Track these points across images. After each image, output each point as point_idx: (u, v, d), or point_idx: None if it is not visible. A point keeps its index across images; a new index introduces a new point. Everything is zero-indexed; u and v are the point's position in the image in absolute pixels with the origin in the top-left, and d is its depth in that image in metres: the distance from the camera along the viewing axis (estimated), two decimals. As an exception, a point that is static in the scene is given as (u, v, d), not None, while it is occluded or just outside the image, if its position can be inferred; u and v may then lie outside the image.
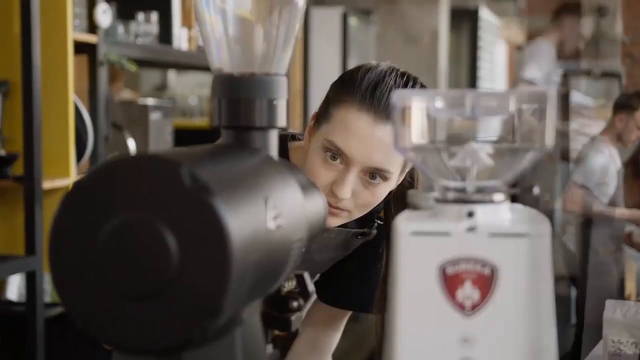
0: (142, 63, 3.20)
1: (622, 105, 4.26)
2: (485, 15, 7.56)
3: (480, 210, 0.66)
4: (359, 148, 1.21)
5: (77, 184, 0.61)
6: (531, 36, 9.97)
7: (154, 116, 3.10)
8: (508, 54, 9.40)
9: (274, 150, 0.77)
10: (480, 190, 0.68)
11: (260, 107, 0.76)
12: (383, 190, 1.26)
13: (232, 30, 0.77)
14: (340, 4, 5.14)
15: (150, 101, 3.19)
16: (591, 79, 6.72)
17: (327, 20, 4.98)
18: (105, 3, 2.66)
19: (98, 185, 0.60)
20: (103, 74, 2.67)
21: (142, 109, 3.11)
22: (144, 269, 0.59)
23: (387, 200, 1.33)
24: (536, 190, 0.69)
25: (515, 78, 4.53)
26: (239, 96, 0.75)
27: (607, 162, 4.22)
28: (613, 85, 8.41)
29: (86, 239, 0.60)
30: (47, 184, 2.37)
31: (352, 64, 6.32)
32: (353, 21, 5.14)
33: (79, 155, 2.57)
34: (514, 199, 0.70)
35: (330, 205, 1.24)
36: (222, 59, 0.77)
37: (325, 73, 4.66)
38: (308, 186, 0.83)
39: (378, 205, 1.31)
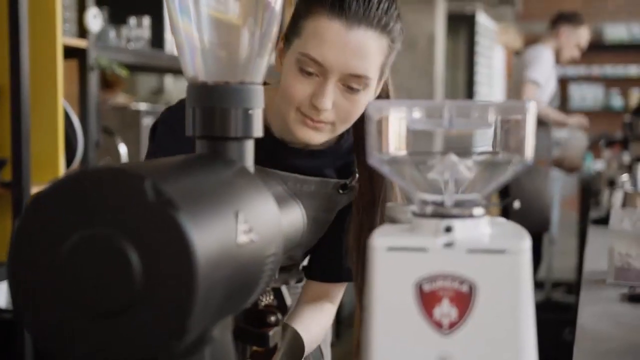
0: (133, 68, 3.17)
1: (565, 20, 4.48)
2: (483, 20, 7.54)
3: (458, 225, 0.64)
4: (334, 55, 1.19)
5: (38, 196, 0.59)
6: (528, 41, 9.98)
7: (147, 121, 3.07)
8: (505, 59, 9.39)
9: (249, 160, 0.75)
10: (459, 204, 0.66)
11: (236, 116, 0.73)
12: (363, 99, 1.25)
13: (207, 37, 0.74)
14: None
15: (143, 106, 3.17)
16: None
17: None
18: (96, 7, 2.64)
19: (60, 198, 0.58)
20: (93, 78, 2.64)
21: (134, 114, 3.09)
22: (106, 286, 0.56)
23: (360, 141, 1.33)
24: (516, 204, 0.66)
25: (515, 80, 4.54)
26: (214, 105, 0.73)
27: (551, 65, 4.41)
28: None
29: (47, 254, 0.58)
30: (35, 190, 2.35)
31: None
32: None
33: (69, 160, 2.55)
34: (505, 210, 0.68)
35: (312, 119, 1.24)
36: (196, 67, 0.75)
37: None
38: (284, 198, 0.81)
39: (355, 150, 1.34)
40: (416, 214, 0.67)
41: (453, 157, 0.66)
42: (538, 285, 5.29)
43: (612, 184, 3.14)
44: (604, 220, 2.71)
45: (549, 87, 4.49)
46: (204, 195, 0.61)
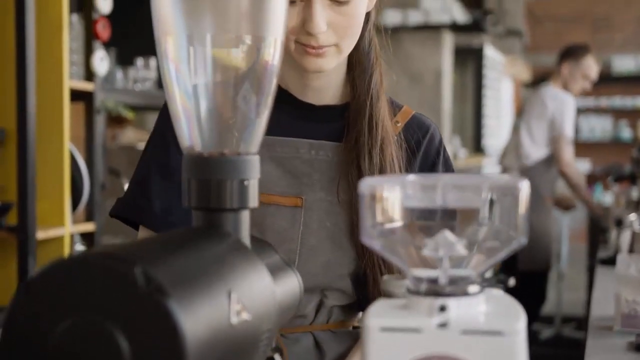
0: (141, 107, 3.19)
1: (567, 54, 4.46)
2: (490, 52, 7.57)
3: (453, 303, 0.64)
4: None
5: (28, 283, 0.58)
6: (536, 73, 10.01)
7: (153, 161, 3.07)
8: (514, 90, 9.41)
9: (245, 231, 0.75)
10: (453, 281, 0.66)
11: (231, 188, 0.73)
12: (356, 8, 1.19)
13: (203, 107, 0.74)
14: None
15: (150, 146, 3.17)
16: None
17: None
18: (103, 50, 2.66)
19: (50, 285, 0.58)
20: (100, 121, 2.65)
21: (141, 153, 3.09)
22: (96, 373, 0.56)
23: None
24: (511, 282, 0.66)
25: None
26: (209, 177, 0.73)
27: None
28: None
29: (37, 341, 0.58)
30: (41, 234, 2.35)
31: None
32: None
33: (75, 204, 2.55)
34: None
35: (312, 47, 1.18)
36: (192, 138, 0.75)
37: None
38: (280, 267, 0.80)
39: None
40: (411, 291, 0.66)
41: (447, 234, 0.66)
42: (548, 320, 5.26)
43: (619, 223, 3.12)
44: (612, 261, 2.69)
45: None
46: (195, 277, 0.61)
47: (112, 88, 2.81)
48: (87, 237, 2.70)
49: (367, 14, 1.28)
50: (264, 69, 0.75)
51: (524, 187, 0.63)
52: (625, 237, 2.85)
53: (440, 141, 1.34)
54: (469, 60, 7.27)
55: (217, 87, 0.75)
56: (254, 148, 0.76)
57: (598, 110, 10.16)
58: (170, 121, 0.76)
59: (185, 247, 0.66)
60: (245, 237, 0.75)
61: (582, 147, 10.19)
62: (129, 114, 2.76)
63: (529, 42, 10.27)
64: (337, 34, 1.18)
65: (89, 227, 2.65)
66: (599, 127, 10.17)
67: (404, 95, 5.59)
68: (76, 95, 2.58)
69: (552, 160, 4.44)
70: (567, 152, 4.37)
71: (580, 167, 10.17)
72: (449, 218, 0.66)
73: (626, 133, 10.05)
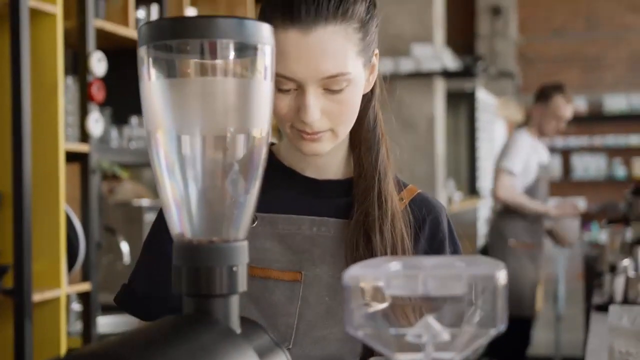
0: (136, 165, 3.22)
1: (537, 97, 4.49)
2: (482, 95, 7.64)
3: (436, 389, 0.66)
4: (300, 65, 1.14)
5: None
6: (529, 113, 10.11)
7: (149, 217, 3.10)
8: (507, 131, 9.47)
9: (234, 315, 0.77)
10: (436, 366, 0.68)
11: (220, 274, 0.76)
12: (351, 94, 1.18)
13: (192, 197, 0.77)
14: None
15: (146, 202, 3.21)
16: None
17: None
18: (97, 112, 2.70)
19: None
20: (95, 181, 2.68)
21: (137, 210, 3.12)
22: None
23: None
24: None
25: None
26: (199, 264, 0.76)
27: (528, 151, 4.44)
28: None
29: None
30: (37, 296, 2.36)
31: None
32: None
33: (71, 264, 2.57)
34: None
35: (307, 133, 1.18)
36: (182, 226, 0.78)
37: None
38: (270, 348, 0.82)
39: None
40: (395, 377, 0.68)
41: (430, 320, 0.68)
42: (546, 362, 5.25)
43: (613, 268, 3.13)
44: (606, 307, 2.70)
45: (528, 175, 4.50)
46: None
47: (107, 148, 2.85)
48: (83, 297, 2.71)
49: (372, 90, 1.29)
50: (251, 159, 0.78)
51: (501, 276, 0.66)
52: (619, 283, 2.87)
53: (448, 222, 1.33)
54: (462, 104, 7.34)
55: (205, 177, 0.77)
56: (242, 234, 0.78)
57: (592, 149, 10.23)
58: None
59: (175, 339, 0.68)
60: (235, 321, 0.77)
61: (577, 186, 10.24)
62: (123, 174, 2.79)
63: (521, 83, 10.37)
64: (331, 121, 1.19)
65: (85, 286, 2.67)
66: (593, 166, 10.23)
67: (398, 141, 5.61)
68: (71, 156, 2.61)
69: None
70: (502, 181, 4.39)
71: (576, 206, 10.21)
72: (432, 304, 0.69)
73: (620, 171, 10.11)
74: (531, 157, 4.49)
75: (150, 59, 0.76)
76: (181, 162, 0.77)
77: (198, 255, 0.76)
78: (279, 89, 1.16)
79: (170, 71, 0.77)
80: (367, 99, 1.28)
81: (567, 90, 4.57)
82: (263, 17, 1.18)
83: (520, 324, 4.39)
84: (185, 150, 0.77)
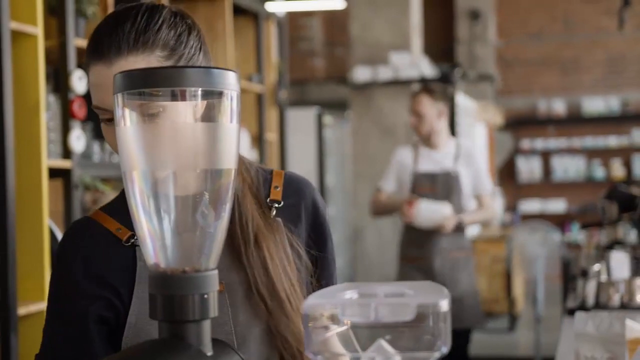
0: (118, 178, 3.27)
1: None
2: (462, 100, 7.72)
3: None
4: (108, 95, 1.18)
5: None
6: (509, 116, 10.23)
7: (131, 229, 3.15)
8: (488, 134, 9.56)
9: (206, 339, 0.84)
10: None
11: (193, 301, 0.83)
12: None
13: (166, 232, 0.84)
14: (315, 104, 5.28)
15: (127, 214, 3.25)
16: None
17: (303, 120, 5.12)
18: (79, 128, 2.76)
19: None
20: (77, 196, 2.74)
21: (119, 222, 3.17)
22: None
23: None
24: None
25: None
26: (173, 292, 0.82)
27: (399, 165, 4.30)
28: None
29: None
30: (22, 310, 2.42)
31: (328, 160, 6.43)
32: (328, 119, 5.27)
33: (55, 278, 2.62)
34: None
35: None
36: (156, 257, 0.84)
37: (302, 171, 4.75)
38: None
39: None
40: (350, 396, 0.75)
41: (383, 344, 0.75)
42: (527, 364, 5.34)
43: (585, 273, 3.21)
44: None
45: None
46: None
47: (89, 163, 2.90)
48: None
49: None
50: (219, 193, 0.85)
51: (444, 305, 0.73)
52: (591, 288, 2.94)
53: (320, 200, 1.38)
54: (441, 109, 7.40)
55: (178, 213, 0.84)
56: (212, 264, 0.85)
57: (571, 151, 10.36)
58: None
59: (151, 364, 0.75)
60: (207, 344, 0.84)
61: (557, 188, 10.38)
62: (105, 188, 2.85)
63: (500, 86, 10.48)
64: None
65: (70, 298, 2.71)
66: (573, 168, 10.35)
67: (377, 148, 5.71)
68: (54, 172, 2.67)
69: (399, 219, 4.35)
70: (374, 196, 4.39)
71: (556, 207, 10.35)
72: (384, 330, 0.76)
73: (599, 172, 10.24)
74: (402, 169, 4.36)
75: (126, 107, 0.82)
76: (155, 199, 0.84)
77: (172, 284, 0.83)
78: (102, 121, 1.22)
79: (143, 116, 0.84)
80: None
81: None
82: (85, 57, 1.24)
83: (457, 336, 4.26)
84: (159, 188, 0.84)
